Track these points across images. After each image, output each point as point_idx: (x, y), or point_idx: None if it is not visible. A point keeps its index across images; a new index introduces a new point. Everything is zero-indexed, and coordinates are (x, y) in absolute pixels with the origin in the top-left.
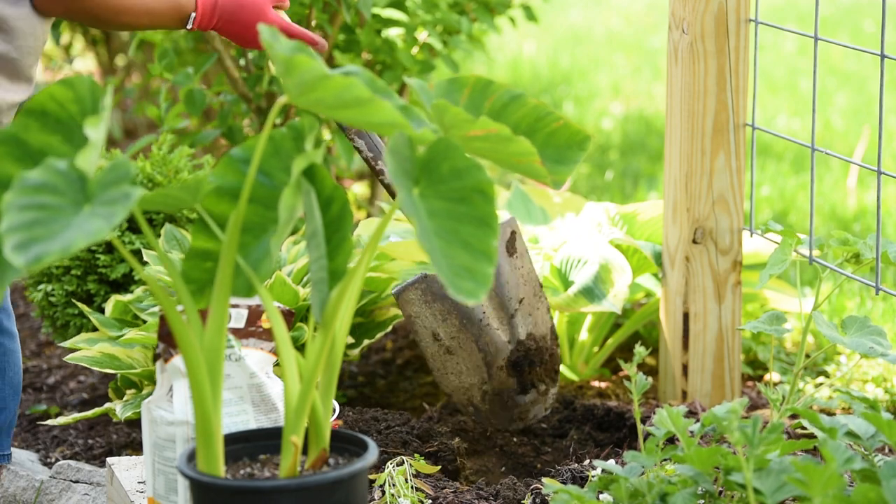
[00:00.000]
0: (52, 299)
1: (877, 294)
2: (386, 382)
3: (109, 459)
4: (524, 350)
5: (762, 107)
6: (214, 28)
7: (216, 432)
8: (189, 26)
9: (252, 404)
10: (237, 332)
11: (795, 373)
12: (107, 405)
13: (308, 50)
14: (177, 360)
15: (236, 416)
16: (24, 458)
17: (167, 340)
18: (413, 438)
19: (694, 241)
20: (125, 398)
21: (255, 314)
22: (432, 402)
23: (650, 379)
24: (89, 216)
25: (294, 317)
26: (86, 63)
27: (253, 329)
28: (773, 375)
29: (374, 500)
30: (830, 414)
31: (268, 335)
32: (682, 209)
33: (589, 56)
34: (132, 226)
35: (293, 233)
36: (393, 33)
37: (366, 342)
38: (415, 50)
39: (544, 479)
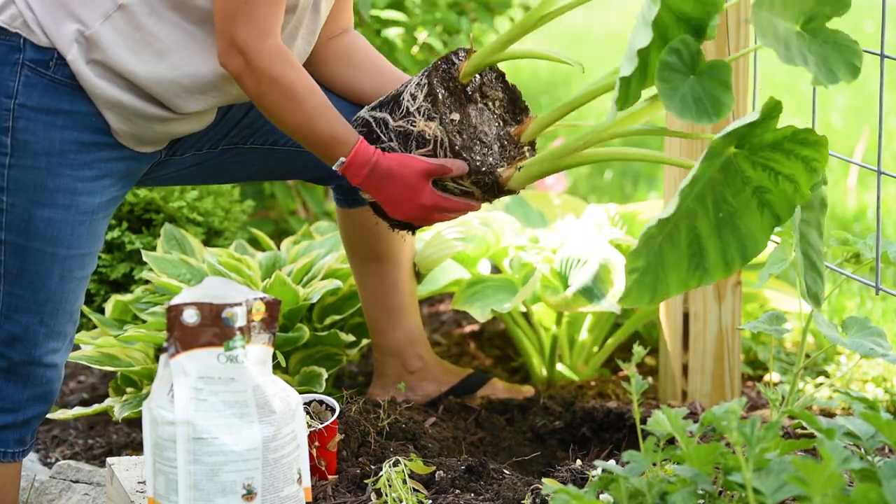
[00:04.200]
0: None
1: (877, 294)
2: None
3: (109, 459)
4: None
5: None
6: (362, 184)
7: None
8: (335, 168)
9: (256, 407)
10: (242, 330)
11: (795, 373)
12: (107, 402)
13: None
14: (181, 358)
15: (240, 420)
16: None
17: (174, 335)
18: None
19: None
20: (124, 397)
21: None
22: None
23: (649, 379)
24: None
25: (281, 306)
26: None
27: (248, 324)
28: (773, 375)
29: (372, 502)
30: (830, 414)
31: (264, 326)
32: None
33: (589, 56)
34: (132, 226)
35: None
36: (393, 33)
37: (365, 342)
38: (415, 50)
39: (544, 480)
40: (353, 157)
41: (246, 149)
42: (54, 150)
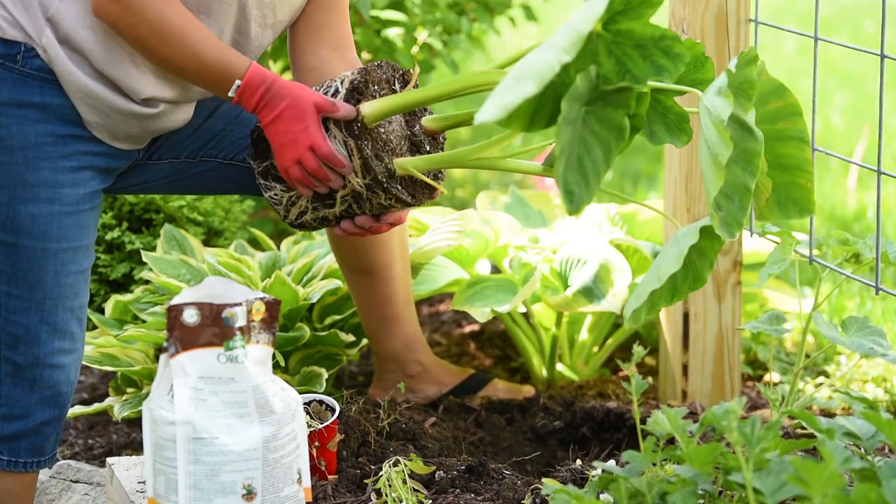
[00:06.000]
0: None
1: (877, 294)
2: None
3: (109, 459)
4: None
5: None
6: (258, 105)
7: None
8: (230, 95)
9: (256, 407)
10: (242, 330)
11: (795, 373)
12: (107, 402)
13: None
14: (181, 358)
15: (240, 420)
16: None
17: (174, 335)
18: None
19: None
20: (124, 397)
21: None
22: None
23: (649, 379)
24: None
25: (281, 306)
26: None
27: (248, 324)
28: (773, 375)
29: (372, 502)
30: (830, 414)
31: (264, 326)
32: (682, 209)
33: None
34: (132, 226)
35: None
36: (392, 33)
37: (365, 342)
38: (414, 49)
39: (544, 480)
40: (248, 78)
41: (225, 164)
42: (30, 144)
